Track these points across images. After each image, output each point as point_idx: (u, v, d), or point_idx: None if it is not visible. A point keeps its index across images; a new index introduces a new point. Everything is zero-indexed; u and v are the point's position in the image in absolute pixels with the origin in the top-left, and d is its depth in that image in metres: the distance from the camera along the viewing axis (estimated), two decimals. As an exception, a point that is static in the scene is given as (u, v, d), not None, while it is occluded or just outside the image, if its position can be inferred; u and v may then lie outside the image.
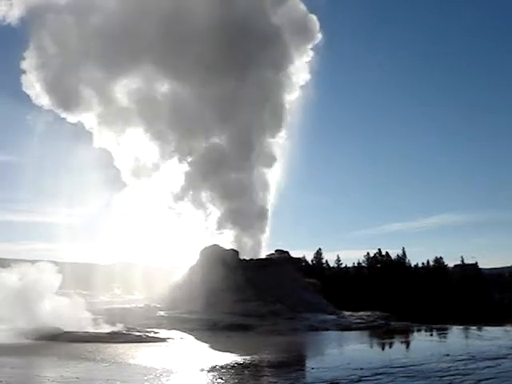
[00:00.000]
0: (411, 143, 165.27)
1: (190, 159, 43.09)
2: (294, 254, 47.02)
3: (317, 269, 73.19)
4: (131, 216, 47.49)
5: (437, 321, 41.49)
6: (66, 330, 24.76)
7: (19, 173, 54.58)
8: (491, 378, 14.32)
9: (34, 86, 42.39)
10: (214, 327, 29.12)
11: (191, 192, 43.41)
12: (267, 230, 44.45)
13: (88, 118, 43.71)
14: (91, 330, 25.64)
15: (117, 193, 45.73)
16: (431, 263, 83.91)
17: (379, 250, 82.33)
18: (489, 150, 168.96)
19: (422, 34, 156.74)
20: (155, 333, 26.48)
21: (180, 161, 43.33)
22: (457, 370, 15.73)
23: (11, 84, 70.91)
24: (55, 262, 30.39)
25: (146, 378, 14.38)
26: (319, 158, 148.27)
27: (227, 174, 42.92)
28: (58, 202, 50.65)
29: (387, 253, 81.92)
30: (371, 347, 26.08)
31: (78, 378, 14.19)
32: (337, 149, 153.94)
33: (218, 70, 41.68)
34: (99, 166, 45.23)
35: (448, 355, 18.60)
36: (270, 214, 44.78)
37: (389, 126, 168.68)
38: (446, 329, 32.33)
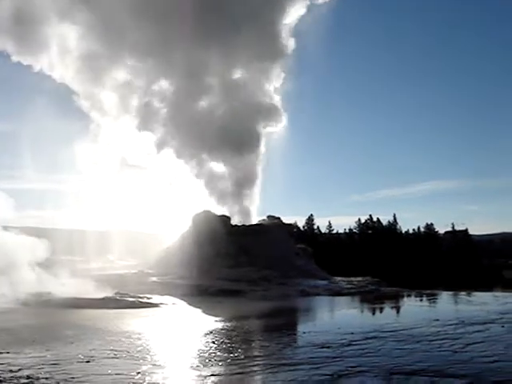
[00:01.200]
0: (402, 110, 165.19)
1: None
2: (286, 220, 47.24)
3: (308, 235, 73.51)
4: (124, 182, 47.55)
5: (427, 286, 41.85)
6: (59, 295, 24.85)
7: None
8: (479, 342, 14.52)
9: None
10: (206, 293, 29.31)
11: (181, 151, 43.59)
12: (258, 196, 44.60)
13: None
14: (84, 295, 25.72)
15: (109, 159, 45.71)
16: (422, 230, 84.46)
17: (370, 216, 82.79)
18: (481, 117, 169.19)
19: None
20: (148, 298, 26.64)
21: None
22: (446, 334, 15.93)
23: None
24: (47, 229, 30.37)
25: (139, 342, 14.53)
26: (310, 125, 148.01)
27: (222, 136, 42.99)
28: (45, 168, 50.72)
29: (378, 219, 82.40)
30: (362, 312, 26.33)
31: (72, 343, 14.30)
32: (328, 116, 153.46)
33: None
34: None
35: (438, 320, 18.82)
36: (261, 180, 44.90)
37: (380, 92, 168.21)
38: (436, 294, 32.65)
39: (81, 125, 44.54)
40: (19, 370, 10.91)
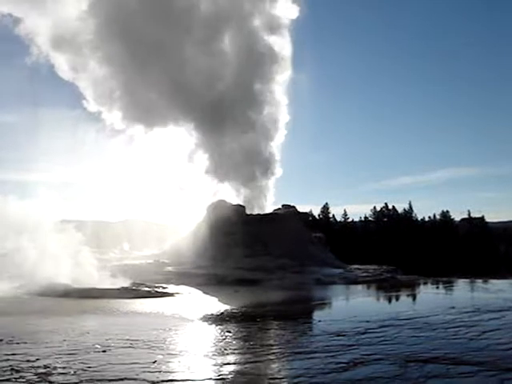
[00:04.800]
0: (418, 97, 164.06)
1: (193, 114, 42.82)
2: (301, 208, 47.28)
3: (324, 223, 73.43)
4: (139, 173, 47.75)
5: (443, 274, 41.79)
6: (75, 286, 25.04)
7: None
8: (495, 330, 14.46)
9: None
10: (222, 282, 29.42)
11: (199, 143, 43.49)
12: (274, 184, 44.63)
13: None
14: (101, 286, 25.89)
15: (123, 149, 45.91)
16: (438, 217, 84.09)
17: (386, 204, 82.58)
18: (497, 103, 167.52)
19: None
20: (164, 288, 26.77)
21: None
22: (462, 321, 15.89)
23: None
24: (62, 220, 30.54)
25: (155, 331, 14.59)
26: (326, 114, 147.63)
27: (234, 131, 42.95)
28: (62, 160, 50.86)
29: (394, 207, 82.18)
30: (378, 300, 26.33)
31: (88, 333, 14.40)
32: (343, 104, 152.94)
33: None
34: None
35: (453, 308, 18.78)
36: (277, 169, 44.90)
37: (394, 79, 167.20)
38: (452, 282, 32.56)
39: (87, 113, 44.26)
40: (36, 359, 10.99)
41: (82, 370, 10.26)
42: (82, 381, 9.57)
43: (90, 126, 45.54)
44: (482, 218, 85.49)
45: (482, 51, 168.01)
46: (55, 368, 10.33)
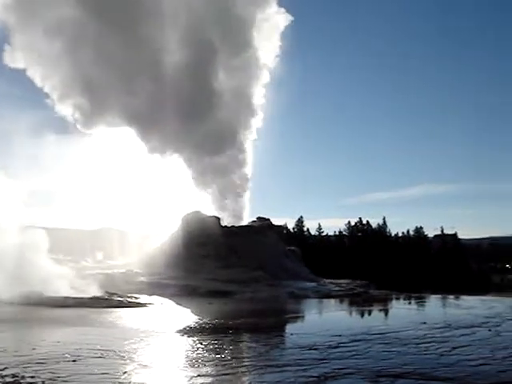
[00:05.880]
0: (394, 113, 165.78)
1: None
2: (276, 221, 47.33)
3: (298, 236, 73.58)
4: (113, 182, 47.45)
5: (415, 289, 42.04)
6: (47, 295, 24.76)
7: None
8: (466, 346, 14.56)
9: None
10: (195, 293, 29.31)
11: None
12: (249, 197, 44.67)
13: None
14: (73, 295, 25.65)
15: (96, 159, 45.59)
16: (411, 233, 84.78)
17: (360, 219, 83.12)
18: (471, 123, 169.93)
19: None
20: (136, 298, 26.62)
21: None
22: (433, 337, 15.97)
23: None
24: (34, 228, 30.17)
25: (126, 342, 14.46)
26: (301, 128, 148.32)
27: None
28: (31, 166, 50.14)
29: (368, 222, 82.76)
30: (350, 314, 26.38)
31: (58, 342, 14.24)
32: (319, 117, 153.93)
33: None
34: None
35: (425, 323, 18.88)
36: (252, 182, 45.00)
37: (371, 93, 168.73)
38: (424, 297, 32.79)
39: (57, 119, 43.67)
40: (5, 368, 10.83)
41: (51, 379, 10.12)
42: (50, 391, 9.46)
43: (57, 128, 44.83)
44: (455, 235, 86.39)
45: (466, 59, 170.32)
46: (23, 377, 10.18)
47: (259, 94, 45.47)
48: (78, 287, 27.22)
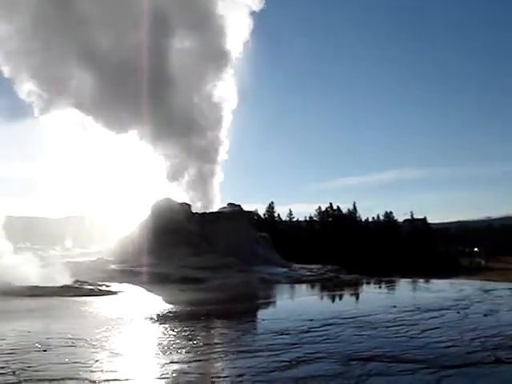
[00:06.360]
0: (363, 98, 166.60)
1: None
2: (247, 207, 47.29)
3: (269, 222, 73.84)
4: (81, 168, 46.96)
5: (386, 274, 42.47)
6: (15, 284, 24.49)
7: None
8: (435, 328, 14.77)
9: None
10: (166, 280, 29.17)
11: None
12: (219, 183, 44.59)
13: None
14: (42, 284, 25.40)
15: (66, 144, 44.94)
16: (381, 218, 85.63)
17: (330, 204, 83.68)
18: (440, 107, 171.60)
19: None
20: (107, 286, 26.44)
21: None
22: (403, 320, 16.16)
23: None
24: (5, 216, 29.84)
25: (97, 330, 14.40)
26: (271, 112, 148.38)
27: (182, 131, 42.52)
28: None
29: (338, 207, 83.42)
30: (321, 299, 26.59)
31: (29, 332, 14.12)
32: (290, 103, 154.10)
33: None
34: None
35: (395, 307, 19.07)
36: (222, 167, 44.89)
37: (343, 79, 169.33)
38: (394, 281, 33.12)
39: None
40: (-27, 359, 10.73)
41: (22, 369, 10.05)
42: (21, 381, 9.39)
43: (22, 114, 43.99)
44: (424, 219, 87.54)
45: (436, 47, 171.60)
46: (-7, 368, 10.09)
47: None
48: (47, 276, 26.96)
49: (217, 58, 44.08)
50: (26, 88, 41.18)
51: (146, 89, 39.61)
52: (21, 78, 41.21)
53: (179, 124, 41.96)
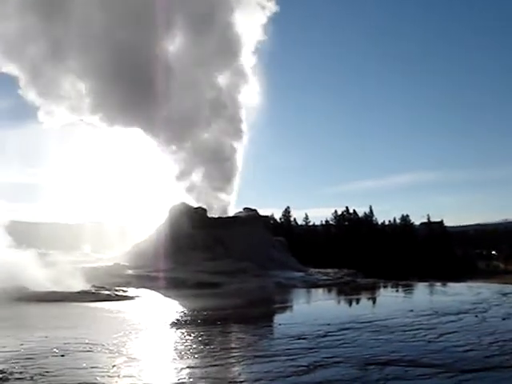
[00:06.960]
0: (379, 103, 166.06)
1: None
2: (263, 212, 47.26)
3: (285, 227, 73.64)
4: (99, 175, 47.25)
5: (402, 277, 42.19)
6: (33, 289, 24.59)
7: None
8: (453, 332, 14.67)
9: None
10: (183, 285, 29.22)
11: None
12: (236, 187, 44.58)
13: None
14: (60, 289, 25.49)
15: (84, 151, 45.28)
16: (398, 221, 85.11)
17: (347, 207, 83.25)
18: (457, 110, 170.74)
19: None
20: (124, 291, 26.52)
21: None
22: (420, 324, 16.08)
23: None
24: (20, 222, 30.02)
25: (114, 335, 14.43)
26: (289, 117, 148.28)
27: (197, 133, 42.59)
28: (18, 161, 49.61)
29: (355, 211, 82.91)
30: (338, 303, 26.50)
31: (46, 337, 14.17)
32: (306, 108, 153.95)
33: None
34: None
35: (412, 310, 18.98)
36: (239, 172, 44.87)
37: (359, 82, 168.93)
38: (411, 285, 32.94)
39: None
40: (-7, 364, 10.79)
41: (40, 374, 10.10)
42: (39, 386, 9.43)
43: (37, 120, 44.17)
44: (441, 222, 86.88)
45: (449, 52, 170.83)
46: (12, 373, 10.14)
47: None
48: (64, 281, 27.07)
49: (231, 59, 44.22)
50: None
51: (156, 89, 39.85)
52: (25, 81, 41.65)
53: (194, 125, 42.10)
